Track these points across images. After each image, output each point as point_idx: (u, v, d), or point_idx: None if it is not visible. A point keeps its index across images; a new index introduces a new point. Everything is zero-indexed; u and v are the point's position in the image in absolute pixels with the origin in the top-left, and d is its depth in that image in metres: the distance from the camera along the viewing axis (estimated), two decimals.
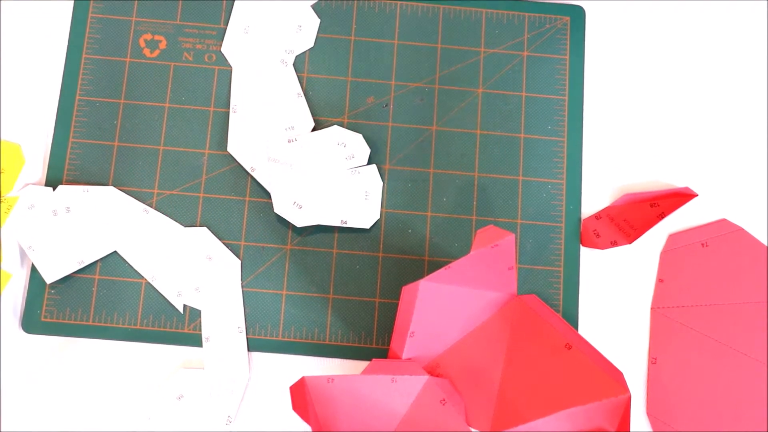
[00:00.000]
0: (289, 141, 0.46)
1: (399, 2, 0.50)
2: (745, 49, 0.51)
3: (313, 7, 0.50)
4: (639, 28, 0.51)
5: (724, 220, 0.48)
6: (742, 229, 0.48)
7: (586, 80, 0.50)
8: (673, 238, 0.48)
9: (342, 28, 0.50)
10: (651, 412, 0.46)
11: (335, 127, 0.46)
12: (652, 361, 0.47)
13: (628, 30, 0.51)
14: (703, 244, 0.48)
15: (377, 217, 0.47)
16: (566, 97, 0.50)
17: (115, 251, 0.46)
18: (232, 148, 0.47)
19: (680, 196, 0.48)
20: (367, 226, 0.47)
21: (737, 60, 0.51)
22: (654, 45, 0.51)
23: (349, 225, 0.46)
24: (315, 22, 0.48)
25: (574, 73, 0.50)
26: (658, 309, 0.47)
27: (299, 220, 0.46)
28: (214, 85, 0.49)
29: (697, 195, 0.47)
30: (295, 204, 0.46)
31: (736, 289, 0.47)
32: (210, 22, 0.50)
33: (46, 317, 0.46)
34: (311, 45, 0.48)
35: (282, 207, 0.46)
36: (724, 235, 0.48)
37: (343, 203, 0.47)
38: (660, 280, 0.48)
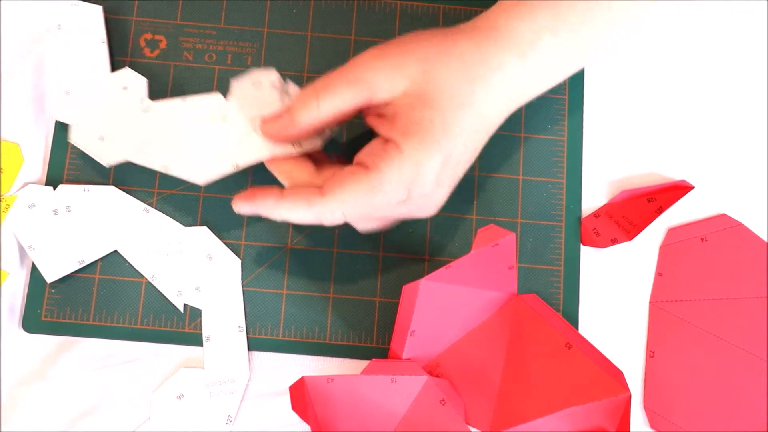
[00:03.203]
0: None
1: (399, 2, 0.50)
2: (743, 44, 0.51)
3: (314, 5, 0.50)
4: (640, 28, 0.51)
5: (723, 215, 0.48)
6: (742, 224, 0.48)
7: (586, 79, 0.50)
8: (673, 233, 0.48)
9: (342, 28, 0.50)
10: (648, 406, 0.46)
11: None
12: (650, 354, 0.47)
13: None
14: (702, 239, 0.48)
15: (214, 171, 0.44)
16: (566, 97, 0.50)
17: (116, 250, 0.46)
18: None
19: (677, 189, 0.48)
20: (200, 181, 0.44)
21: (736, 55, 0.51)
22: (653, 42, 0.51)
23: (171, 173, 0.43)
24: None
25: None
26: (656, 303, 0.47)
27: (103, 156, 0.44)
28: (214, 84, 0.49)
29: (693, 187, 0.47)
30: (100, 137, 0.44)
31: (735, 284, 0.47)
32: (210, 22, 0.50)
33: (46, 316, 0.46)
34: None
35: (80, 138, 0.45)
36: (723, 230, 0.48)
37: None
38: (659, 274, 0.48)
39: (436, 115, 0.38)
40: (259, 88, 0.44)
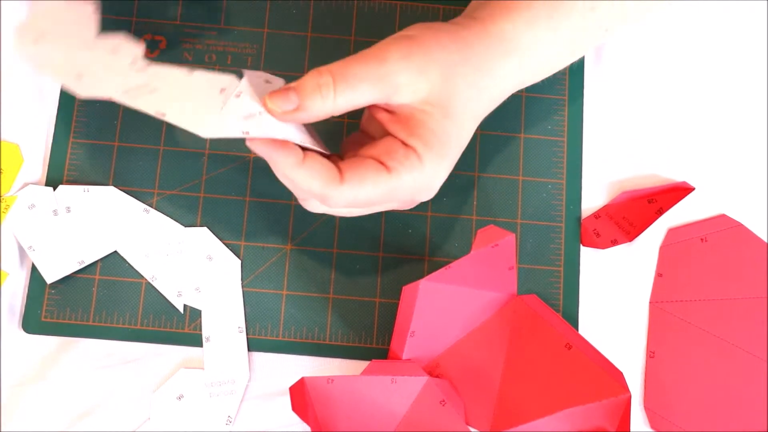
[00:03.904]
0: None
1: (399, 2, 0.50)
2: (743, 44, 0.51)
3: (314, 6, 0.50)
4: (638, 27, 0.51)
5: (723, 216, 0.48)
6: (741, 224, 0.48)
7: (586, 80, 0.50)
8: (673, 233, 0.48)
9: (342, 28, 0.50)
10: (648, 406, 0.46)
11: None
12: (650, 355, 0.47)
13: (627, 28, 0.51)
14: (702, 240, 0.48)
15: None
16: (566, 97, 0.49)
17: (116, 251, 0.46)
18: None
19: (677, 191, 0.48)
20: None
21: (736, 55, 0.51)
22: (653, 42, 0.51)
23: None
24: None
25: (573, 73, 0.50)
26: (656, 303, 0.47)
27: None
28: None
29: (694, 189, 0.47)
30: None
31: (735, 284, 0.47)
32: (210, 22, 0.50)
33: (46, 317, 0.46)
34: None
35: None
36: (723, 230, 0.48)
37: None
38: (659, 275, 0.48)
39: (454, 128, 0.39)
40: (270, 86, 0.40)
